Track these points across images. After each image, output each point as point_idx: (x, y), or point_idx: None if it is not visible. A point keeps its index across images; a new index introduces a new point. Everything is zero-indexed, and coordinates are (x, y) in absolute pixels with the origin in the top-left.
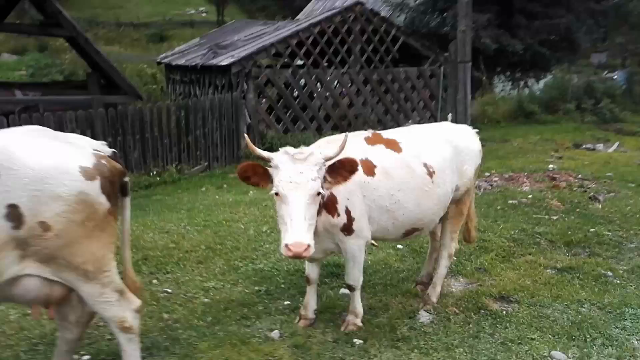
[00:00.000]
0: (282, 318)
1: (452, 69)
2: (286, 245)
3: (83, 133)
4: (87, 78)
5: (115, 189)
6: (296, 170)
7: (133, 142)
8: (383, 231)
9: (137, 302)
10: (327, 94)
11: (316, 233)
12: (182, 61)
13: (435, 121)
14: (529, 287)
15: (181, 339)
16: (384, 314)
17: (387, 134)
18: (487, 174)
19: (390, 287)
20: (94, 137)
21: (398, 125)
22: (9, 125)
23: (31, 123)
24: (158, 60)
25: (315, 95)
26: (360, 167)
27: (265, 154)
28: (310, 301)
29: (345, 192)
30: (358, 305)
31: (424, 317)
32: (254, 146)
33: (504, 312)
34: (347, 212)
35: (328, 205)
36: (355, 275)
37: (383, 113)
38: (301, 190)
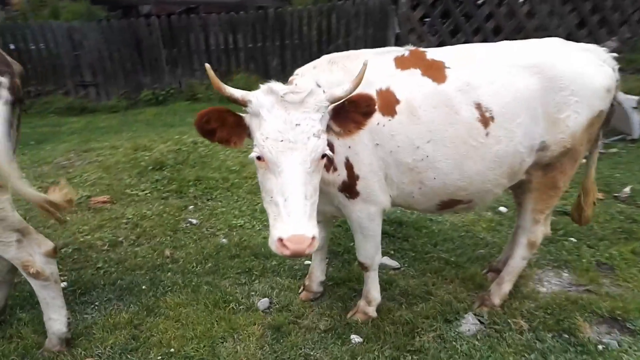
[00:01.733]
0: (286, 283)
1: None
2: (280, 240)
3: (225, 38)
4: None
5: None
6: (289, 121)
7: (272, 49)
8: (407, 198)
9: (48, 244)
10: None
11: None
12: None
13: None
14: None
15: (162, 285)
16: (416, 306)
17: (435, 53)
18: None
19: (451, 267)
20: (235, 42)
21: (596, 44)
22: (170, 24)
23: (190, 24)
24: None
25: (482, 0)
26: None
27: (238, 92)
28: (315, 270)
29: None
30: (373, 290)
31: (469, 324)
32: (219, 81)
33: (602, 346)
34: (348, 165)
35: None
36: (367, 252)
37: (576, 26)
38: (299, 154)
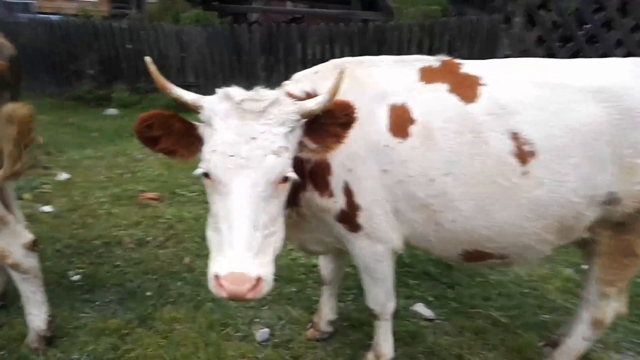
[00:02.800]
0: (296, 314)
1: None
2: (216, 278)
3: (322, 49)
4: None
5: None
6: (244, 133)
7: None
8: (422, 241)
9: (27, 237)
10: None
11: (301, 217)
12: None
13: None
14: None
15: (167, 294)
16: None
17: (474, 65)
18: None
19: (499, 329)
20: (333, 54)
21: None
22: (270, 32)
23: (288, 33)
24: None
25: (614, 24)
26: (383, 117)
27: (188, 95)
28: (324, 307)
29: (346, 156)
30: (383, 343)
31: None
32: (163, 79)
33: None
34: (348, 192)
35: (315, 173)
36: (376, 297)
37: None
38: (251, 173)
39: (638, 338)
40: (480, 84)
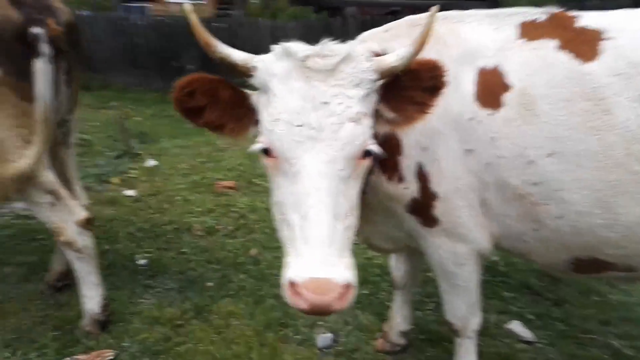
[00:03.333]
0: (366, 320)
1: None
2: (291, 285)
3: None
4: None
5: (7, 46)
6: (312, 97)
7: None
8: (516, 242)
9: (81, 214)
10: None
11: (366, 206)
12: None
13: None
14: None
15: (228, 286)
16: None
17: (596, 18)
18: None
19: None
20: None
21: None
22: (363, 24)
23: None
24: None
25: None
26: (469, 83)
27: (237, 54)
28: (396, 316)
29: (420, 132)
30: None
31: None
32: (206, 34)
33: None
34: (422, 176)
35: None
36: (455, 309)
37: None
38: (325, 147)
39: None
40: (604, 38)
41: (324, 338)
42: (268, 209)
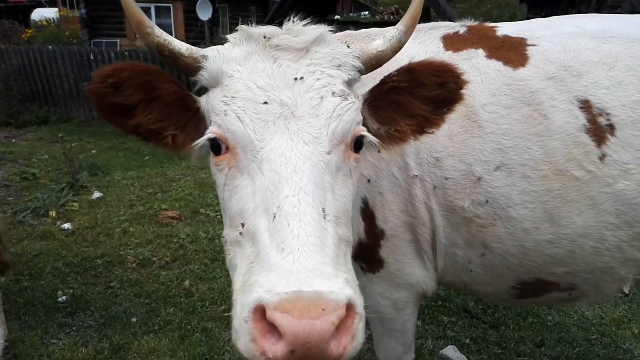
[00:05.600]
0: None
1: None
2: (256, 312)
3: None
4: None
5: None
6: (283, 75)
7: None
8: (461, 273)
9: None
10: None
11: None
12: None
13: None
14: None
15: (154, 321)
16: None
17: (512, 27)
18: None
19: None
20: None
21: None
22: None
23: None
24: None
25: None
26: None
27: (181, 44)
28: None
29: (362, 164)
30: None
31: None
32: (140, 13)
33: None
34: (367, 214)
35: None
36: (389, 349)
37: None
38: (303, 125)
39: None
40: (528, 44)
41: None
42: (210, 239)
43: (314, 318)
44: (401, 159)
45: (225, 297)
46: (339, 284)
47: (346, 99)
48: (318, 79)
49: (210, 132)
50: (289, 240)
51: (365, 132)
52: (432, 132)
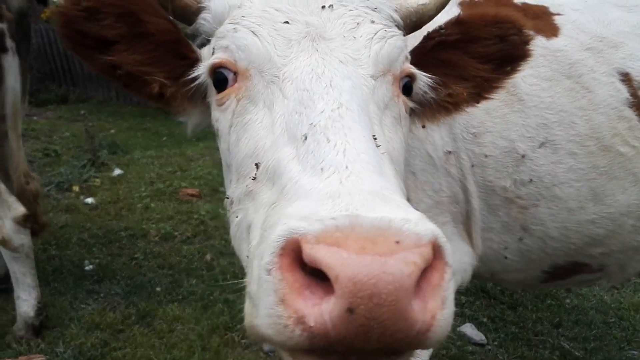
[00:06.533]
0: None
1: None
2: (283, 248)
3: None
4: None
5: None
6: (307, 3)
7: None
8: (493, 261)
9: (19, 210)
10: None
11: None
12: None
13: None
14: None
15: (177, 291)
16: None
17: None
18: None
19: None
20: None
21: None
22: None
23: None
24: None
25: None
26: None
27: None
28: None
29: None
30: None
31: None
32: None
33: None
34: None
35: None
36: None
37: None
38: (341, 47)
39: None
40: (553, 13)
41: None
42: None
43: (385, 254)
44: (437, 135)
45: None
46: (414, 214)
47: (389, 29)
48: (351, 10)
49: (215, 58)
50: (331, 157)
51: (416, 71)
52: (492, 98)
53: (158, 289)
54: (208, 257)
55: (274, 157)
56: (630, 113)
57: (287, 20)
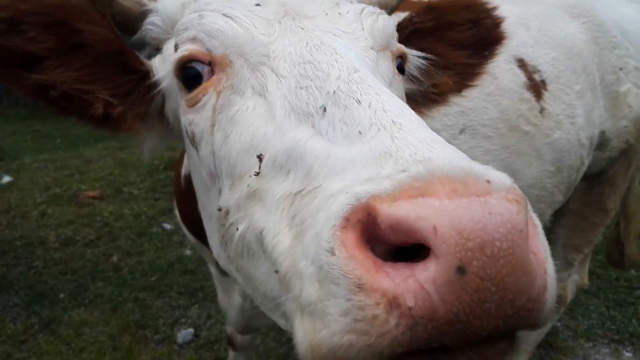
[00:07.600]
0: None
1: None
2: (349, 216)
3: None
4: None
5: None
6: None
7: None
8: None
9: None
10: None
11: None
12: None
13: None
14: None
15: (83, 295)
16: None
17: None
18: None
19: None
20: None
21: None
22: None
23: None
24: None
25: None
26: None
27: None
28: None
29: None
30: None
31: None
32: None
33: None
34: None
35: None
36: None
37: None
38: (326, 24)
39: (613, 324)
40: None
41: (184, 334)
42: (136, 216)
43: (482, 194)
44: None
45: (155, 268)
46: (488, 167)
47: (374, 6)
48: None
49: (183, 51)
50: (369, 117)
51: (407, 50)
52: (475, 85)
53: (62, 295)
54: (115, 258)
55: (283, 142)
56: (528, 95)
57: (258, 3)
